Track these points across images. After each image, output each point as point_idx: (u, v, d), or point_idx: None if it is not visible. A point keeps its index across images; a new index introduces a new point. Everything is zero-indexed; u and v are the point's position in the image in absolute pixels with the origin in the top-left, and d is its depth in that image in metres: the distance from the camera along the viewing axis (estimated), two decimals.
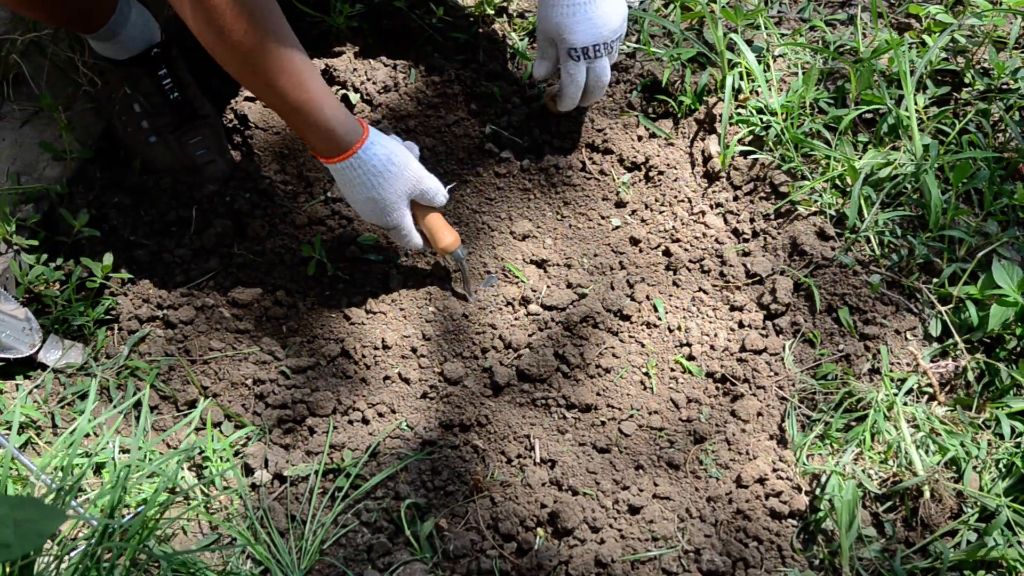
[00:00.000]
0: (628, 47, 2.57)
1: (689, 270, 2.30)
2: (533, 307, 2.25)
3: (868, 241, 2.23)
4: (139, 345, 2.21)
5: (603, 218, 2.39)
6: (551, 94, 2.40)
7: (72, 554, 1.74)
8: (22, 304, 2.17)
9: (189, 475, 2.04)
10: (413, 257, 2.34)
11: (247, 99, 2.50)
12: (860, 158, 2.32)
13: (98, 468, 2.03)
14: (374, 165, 2.05)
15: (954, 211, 2.20)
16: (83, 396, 2.14)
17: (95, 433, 2.09)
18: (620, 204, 2.43)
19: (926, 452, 1.98)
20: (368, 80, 2.53)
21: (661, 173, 2.43)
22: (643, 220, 2.39)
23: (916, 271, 2.20)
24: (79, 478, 1.85)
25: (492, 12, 2.64)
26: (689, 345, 2.20)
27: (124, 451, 2.05)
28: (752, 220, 2.34)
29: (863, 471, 1.97)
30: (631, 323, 2.23)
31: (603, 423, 2.10)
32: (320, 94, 1.97)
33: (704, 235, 2.34)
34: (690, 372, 2.17)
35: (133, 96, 2.39)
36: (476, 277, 2.31)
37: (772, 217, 2.32)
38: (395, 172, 2.08)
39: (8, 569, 1.64)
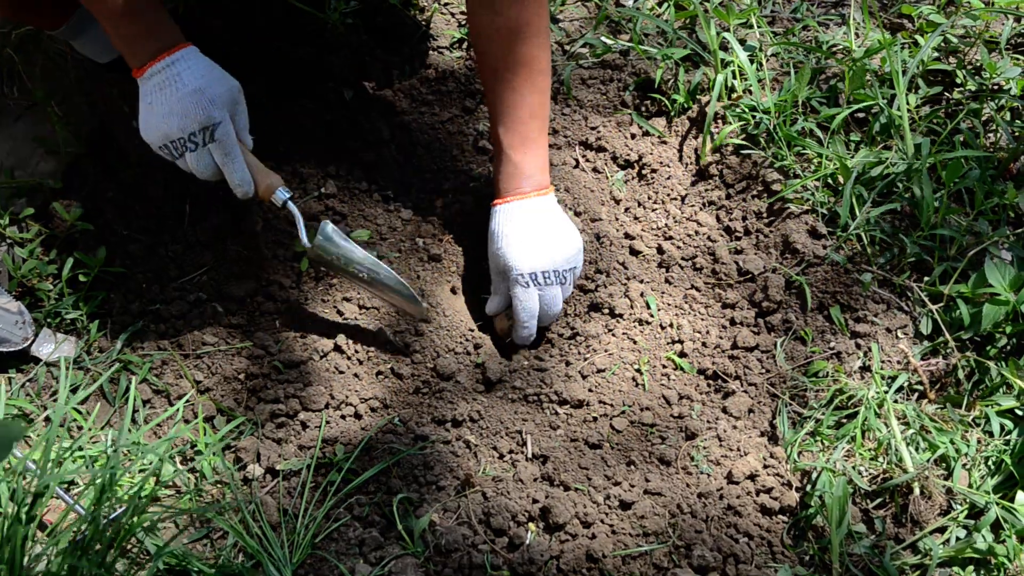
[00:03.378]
0: (622, 45, 2.58)
1: (681, 267, 2.31)
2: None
3: (860, 239, 2.23)
4: (132, 339, 2.21)
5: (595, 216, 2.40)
6: (503, 328, 2.26)
7: (61, 545, 1.74)
8: (15, 298, 2.17)
9: (181, 468, 2.04)
10: (405, 253, 2.34)
11: None
12: (852, 157, 2.33)
13: (90, 461, 2.03)
14: (206, 61, 2.01)
15: (945, 210, 2.21)
16: (75, 390, 2.14)
17: (87, 426, 2.09)
18: (614, 201, 2.43)
19: (916, 449, 1.99)
20: (362, 77, 2.53)
21: (654, 171, 2.44)
22: (636, 218, 2.40)
23: (907, 269, 2.21)
24: (63, 463, 1.85)
25: None
26: (681, 342, 2.20)
27: (115, 444, 2.05)
28: (744, 218, 2.35)
29: (853, 468, 1.98)
30: (623, 320, 2.24)
31: (595, 419, 2.11)
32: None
33: (696, 233, 2.34)
34: (682, 369, 2.17)
35: (122, 101, 2.38)
36: (311, 224, 2.17)
37: (764, 215, 2.33)
38: (223, 74, 2.03)
39: None
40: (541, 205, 2.17)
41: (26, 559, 1.68)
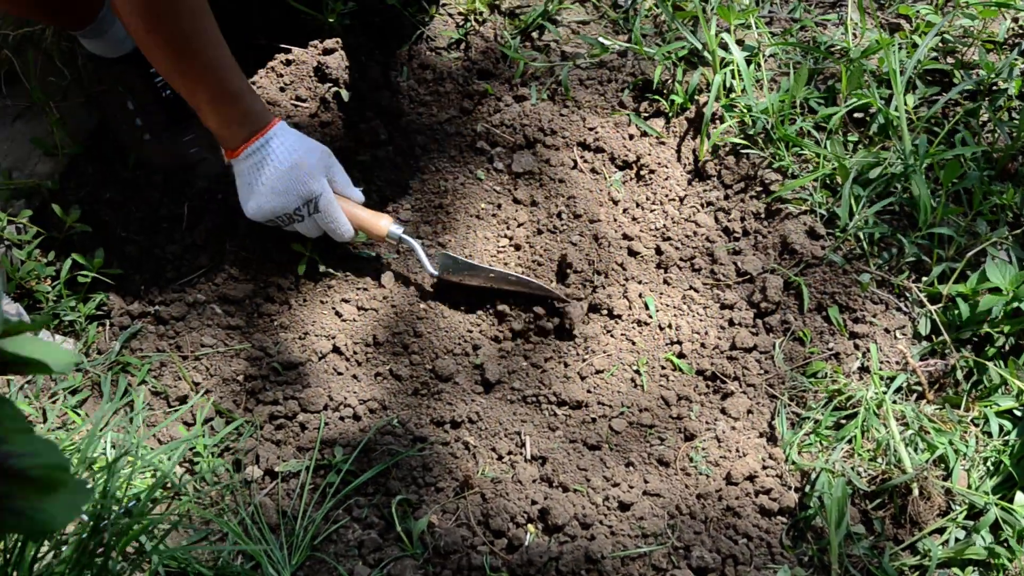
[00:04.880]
0: (620, 46, 2.58)
1: (680, 268, 2.31)
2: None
3: (858, 240, 2.23)
4: (130, 341, 2.21)
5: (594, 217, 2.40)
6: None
7: (63, 548, 1.74)
8: (13, 299, 2.17)
9: (180, 470, 2.04)
10: (403, 254, 2.35)
11: None
12: (850, 157, 2.33)
13: (90, 463, 2.03)
14: (294, 134, 2.13)
15: (943, 210, 2.21)
16: (74, 392, 2.14)
17: (86, 429, 2.09)
18: (612, 202, 2.43)
19: (915, 450, 1.99)
20: (360, 78, 2.53)
21: (652, 172, 2.44)
22: (634, 218, 2.40)
23: (905, 270, 2.21)
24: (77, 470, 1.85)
25: (485, 10, 2.65)
26: (680, 343, 2.20)
27: (115, 446, 2.05)
28: (743, 219, 2.35)
29: (852, 469, 1.98)
30: (622, 321, 2.24)
31: (594, 420, 2.11)
32: (243, 81, 2.09)
33: (695, 233, 2.34)
34: (680, 370, 2.17)
35: (125, 94, 2.39)
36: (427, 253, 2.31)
37: (762, 216, 2.33)
38: (312, 144, 2.16)
39: (3, 562, 1.64)
40: None
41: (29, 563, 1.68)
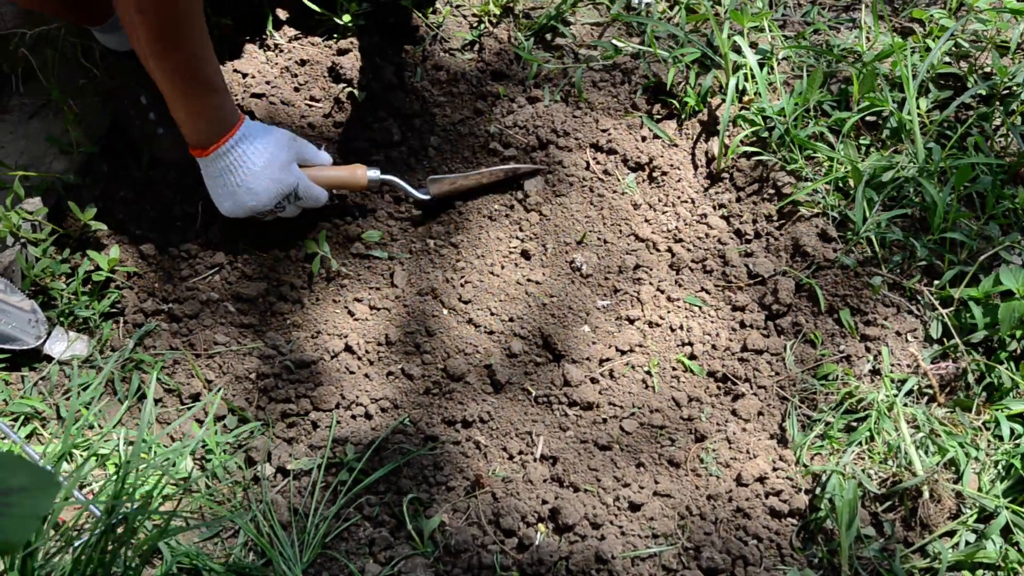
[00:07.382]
0: (633, 48, 2.58)
1: (692, 270, 2.31)
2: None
3: (870, 243, 2.24)
4: (144, 339, 2.22)
5: (607, 219, 2.40)
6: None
7: (75, 544, 1.75)
8: (28, 296, 2.18)
9: (193, 467, 2.05)
10: (416, 254, 2.36)
11: (253, 95, 2.52)
12: (863, 160, 2.33)
13: (103, 460, 2.04)
14: (259, 130, 2.17)
15: (955, 214, 2.21)
16: (87, 388, 2.15)
17: (99, 425, 2.10)
18: (624, 204, 2.43)
19: (926, 453, 1.99)
20: (374, 78, 2.54)
21: (664, 174, 2.44)
22: (646, 220, 2.40)
23: (917, 273, 2.21)
24: (81, 466, 1.86)
25: (498, 12, 2.66)
26: (691, 344, 2.21)
27: (129, 443, 2.06)
28: (755, 221, 2.35)
29: (863, 471, 1.98)
30: (634, 322, 2.24)
31: (605, 421, 2.11)
32: (219, 76, 2.09)
33: (707, 235, 2.35)
34: (692, 371, 2.18)
35: (140, 88, 2.41)
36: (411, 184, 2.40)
37: (775, 218, 2.33)
38: (278, 134, 2.20)
39: (9, 559, 1.64)
40: None
41: (38, 560, 1.68)
